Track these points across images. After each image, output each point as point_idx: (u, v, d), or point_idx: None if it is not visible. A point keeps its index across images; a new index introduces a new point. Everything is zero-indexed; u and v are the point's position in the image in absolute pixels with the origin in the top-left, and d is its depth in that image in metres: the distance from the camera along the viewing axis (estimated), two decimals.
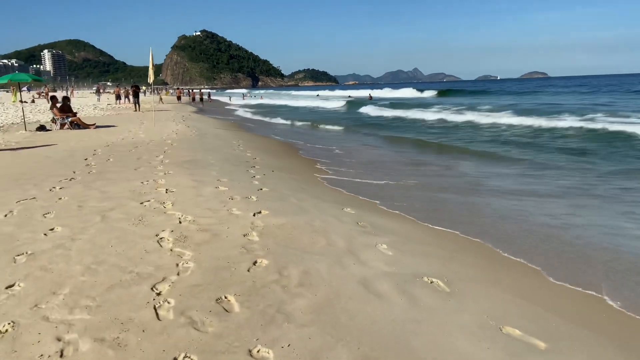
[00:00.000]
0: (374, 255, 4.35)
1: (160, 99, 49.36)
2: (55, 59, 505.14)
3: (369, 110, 34.48)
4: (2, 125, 18.90)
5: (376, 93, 70.73)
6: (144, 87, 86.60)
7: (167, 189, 6.77)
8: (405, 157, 13.06)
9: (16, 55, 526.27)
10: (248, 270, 3.82)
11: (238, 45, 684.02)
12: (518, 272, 4.42)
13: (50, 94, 48.44)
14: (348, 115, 32.06)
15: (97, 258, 4.08)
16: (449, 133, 19.57)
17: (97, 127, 17.76)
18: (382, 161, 12.03)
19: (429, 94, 69.53)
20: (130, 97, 42.13)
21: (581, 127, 17.54)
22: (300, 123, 24.60)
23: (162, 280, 3.63)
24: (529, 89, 72.17)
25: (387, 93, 73.88)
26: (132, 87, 32.76)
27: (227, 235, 4.68)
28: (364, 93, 77.08)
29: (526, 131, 18.53)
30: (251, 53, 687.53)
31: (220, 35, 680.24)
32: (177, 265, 3.93)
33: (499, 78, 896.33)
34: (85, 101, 48.75)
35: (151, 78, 18.52)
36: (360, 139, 16.96)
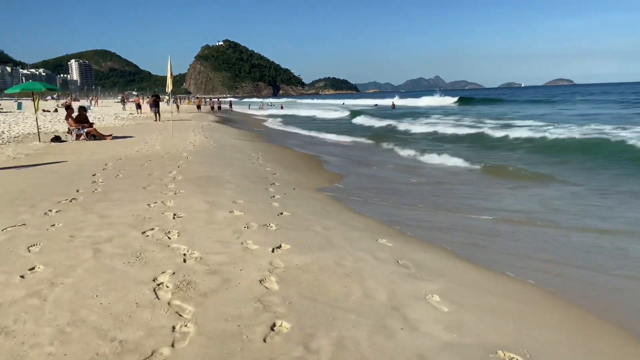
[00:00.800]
0: (426, 313, 3.39)
1: (177, 107, 48.67)
2: (82, 69, 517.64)
3: (398, 124, 32.07)
4: (18, 135, 18.54)
5: (399, 101, 69.63)
6: (166, 97, 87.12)
7: (175, 214, 5.93)
8: (439, 175, 12.05)
9: (44, 64, 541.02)
10: (264, 340, 2.91)
11: (260, 54, 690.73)
12: (618, 344, 3.39)
13: (68, 102, 48.88)
14: (377, 125, 31.12)
15: (75, 315, 3.23)
16: (486, 148, 18.47)
17: (114, 138, 17.22)
18: (414, 181, 11.04)
19: (453, 101, 67.86)
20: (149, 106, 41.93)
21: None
22: (330, 135, 23.79)
23: (151, 355, 2.74)
24: (563, 98, 69.35)
25: (411, 102, 72.45)
26: (151, 96, 32.35)
27: (239, 282, 3.79)
28: (385, 102, 75.93)
29: (573, 144, 17.01)
30: (272, 62, 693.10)
31: (242, 44, 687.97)
32: (174, 329, 3.04)
33: (523, 85, 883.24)
34: (108, 110, 48.97)
35: (170, 87, 17.94)
36: (390, 154, 16.00)
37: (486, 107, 52.67)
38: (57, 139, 16.25)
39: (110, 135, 17.20)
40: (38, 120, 27.66)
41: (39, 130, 17.61)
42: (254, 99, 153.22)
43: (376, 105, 67.64)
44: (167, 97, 33.81)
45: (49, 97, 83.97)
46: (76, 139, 16.74)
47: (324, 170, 11.73)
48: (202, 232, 5.16)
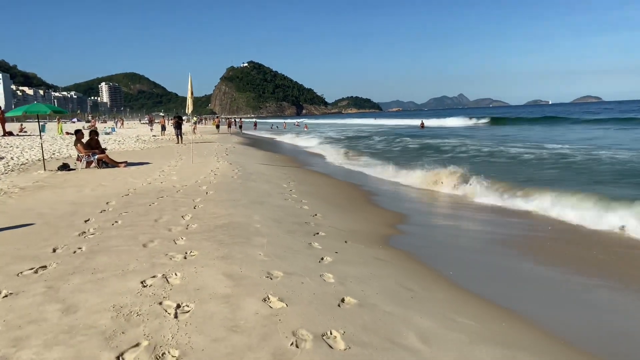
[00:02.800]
0: None
1: (194, 129, 46.02)
2: (112, 91, 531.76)
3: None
4: (27, 162, 16.93)
5: (428, 122, 66.82)
6: (193, 119, 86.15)
7: (179, 305, 3.79)
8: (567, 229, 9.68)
9: (75, 87, 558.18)
10: None
11: (283, 74, 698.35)
12: None
13: (92, 124, 48.11)
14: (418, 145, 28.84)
15: None
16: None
17: (128, 165, 15.40)
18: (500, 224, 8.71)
19: (484, 121, 64.27)
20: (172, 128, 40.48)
21: None
22: (362, 157, 21.65)
23: None
24: (610, 115, 63.80)
25: (439, 122, 69.26)
26: (174, 117, 30.76)
27: None
28: (411, 122, 73.08)
29: None
30: (296, 82, 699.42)
31: (266, 65, 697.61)
32: None
33: (550, 103, 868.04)
34: (132, 132, 47.98)
35: (190, 108, 16.13)
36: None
37: (526, 128, 48.21)
38: (64, 167, 14.51)
39: (124, 162, 15.39)
40: (55, 145, 26.53)
41: (44, 158, 15.92)
42: (275, 120, 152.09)
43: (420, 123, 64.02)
44: (191, 118, 32.17)
45: (75, 120, 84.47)
46: (86, 167, 14.99)
47: (375, 207, 9.51)
48: (221, 354, 2.99)
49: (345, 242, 6.40)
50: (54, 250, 5.56)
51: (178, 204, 8.39)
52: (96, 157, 14.87)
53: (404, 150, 24.63)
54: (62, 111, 16.16)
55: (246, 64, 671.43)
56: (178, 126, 28.89)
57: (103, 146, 25.47)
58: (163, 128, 42.07)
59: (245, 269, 4.68)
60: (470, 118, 69.37)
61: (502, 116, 73.98)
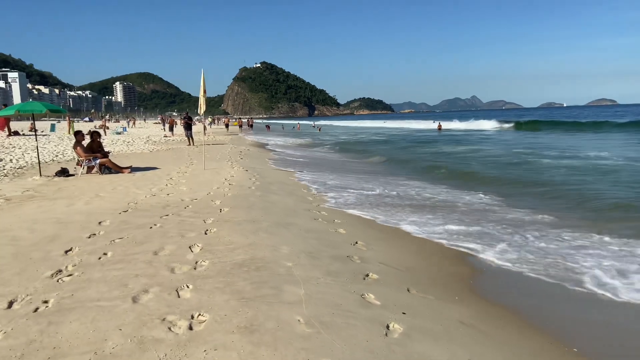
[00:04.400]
0: None
1: (205, 129, 44.35)
2: (126, 91, 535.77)
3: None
4: (26, 165, 15.50)
5: (446, 124, 64.25)
6: (209, 118, 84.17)
7: None
8: None
9: (90, 87, 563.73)
10: None
11: (295, 75, 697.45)
12: None
13: (103, 124, 46.96)
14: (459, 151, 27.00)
15: None
16: None
17: (133, 170, 13.89)
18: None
19: (509, 125, 57.93)
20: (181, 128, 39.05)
21: None
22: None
23: None
24: None
25: (456, 124, 66.08)
26: (183, 117, 29.17)
27: None
28: (423, 124, 70.19)
29: None
30: (308, 83, 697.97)
31: (279, 66, 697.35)
32: None
33: (565, 105, 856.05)
34: (143, 132, 46.73)
35: (202, 108, 14.57)
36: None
37: (558, 133, 42.68)
38: (63, 172, 13.03)
39: (129, 167, 13.87)
40: (62, 145, 25.15)
41: (40, 162, 14.46)
42: (286, 121, 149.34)
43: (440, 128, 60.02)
44: (204, 118, 30.70)
45: (87, 119, 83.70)
46: (87, 172, 13.51)
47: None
48: None
49: (409, 290, 4.74)
50: (10, 305, 3.98)
51: (186, 226, 6.78)
52: (98, 161, 13.37)
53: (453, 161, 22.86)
54: (60, 110, 14.64)
55: (259, 65, 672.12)
56: (188, 127, 27.38)
57: (110, 148, 24.17)
58: (171, 128, 40.61)
59: (281, 356, 3.04)
60: (500, 122, 62.06)
61: (538, 119, 65.33)
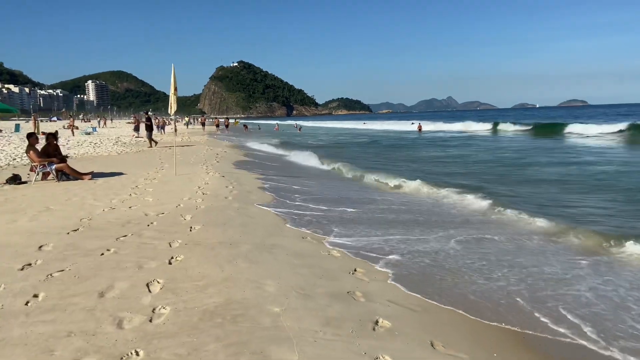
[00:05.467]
0: None
1: (175, 130, 42.43)
2: (99, 89, 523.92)
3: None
4: None
5: (426, 125, 63.19)
6: (186, 118, 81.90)
7: None
8: None
9: (62, 85, 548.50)
10: None
11: (274, 75, 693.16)
12: None
13: (70, 124, 44.77)
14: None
15: None
16: None
17: (95, 176, 12.47)
18: None
19: (504, 127, 50.58)
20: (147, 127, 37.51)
21: None
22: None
23: None
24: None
25: (438, 126, 63.97)
26: (144, 116, 27.54)
27: None
28: (402, 125, 68.64)
29: None
30: (286, 83, 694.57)
31: (256, 65, 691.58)
32: None
33: (537, 106, 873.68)
34: (114, 132, 44.73)
35: (173, 107, 13.22)
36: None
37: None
38: (14, 179, 11.54)
39: (90, 173, 12.43)
40: (23, 148, 23.30)
41: None
42: (263, 121, 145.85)
43: (416, 125, 58.53)
44: (182, 118, 29.19)
45: (55, 118, 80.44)
46: (42, 179, 12.05)
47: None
48: None
49: (432, 345, 3.63)
50: None
51: (146, 251, 5.53)
52: (54, 167, 11.91)
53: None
54: (10, 109, 13.14)
55: (236, 64, 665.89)
56: (149, 128, 25.75)
57: (75, 150, 22.51)
58: (137, 128, 38.75)
59: None
60: (515, 123, 52.21)
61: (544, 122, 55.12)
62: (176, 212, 7.88)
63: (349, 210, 8.92)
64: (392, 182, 12.44)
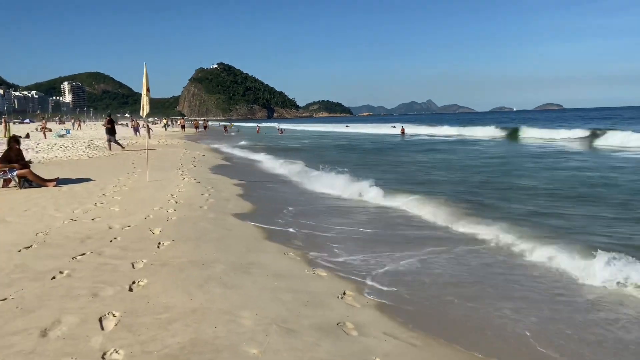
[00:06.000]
0: None
1: (148, 132, 40.65)
2: (75, 91, 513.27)
3: None
4: None
5: (409, 129, 62.35)
6: (164, 120, 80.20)
7: None
8: None
9: (37, 87, 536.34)
10: None
11: (254, 77, 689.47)
12: None
13: (43, 126, 43.21)
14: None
15: None
16: None
17: (60, 182, 11.61)
18: None
19: (498, 133, 45.05)
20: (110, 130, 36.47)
21: None
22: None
23: None
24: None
25: (422, 129, 61.74)
26: (106, 118, 26.18)
27: None
28: (385, 129, 67.06)
29: None
30: (267, 85, 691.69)
31: (236, 67, 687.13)
32: None
33: (515, 110, 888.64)
34: (88, 135, 43.31)
35: (145, 109, 12.43)
36: None
37: None
38: None
39: (55, 180, 11.57)
40: None
41: None
42: (250, 123, 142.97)
43: (398, 129, 58.08)
44: (160, 120, 28.19)
45: (28, 120, 78.06)
46: (3, 186, 11.15)
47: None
48: None
49: None
50: None
51: (104, 274, 4.82)
52: (15, 173, 11.02)
53: None
54: None
55: (216, 65, 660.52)
56: (110, 132, 24.53)
57: (44, 154, 21.40)
58: (115, 133, 37.42)
59: None
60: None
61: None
62: (144, 224, 7.15)
63: (336, 221, 8.31)
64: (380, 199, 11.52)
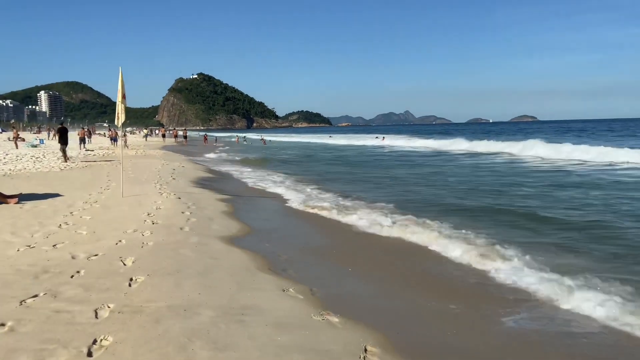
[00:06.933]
0: None
1: (125, 142, 39.86)
2: (52, 100, 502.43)
3: None
4: None
5: (389, 140, 61.41)
6: (145, 130, 78.10)
7: None
8: None
9: (12, 95, 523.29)
10: None
11: (234, 87, 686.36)
12: None
13: (15, 135, 41.30)
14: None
15: None
16: None
17: (23, 199, 10.38)
18: None
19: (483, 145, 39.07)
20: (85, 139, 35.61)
21: None
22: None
23: None
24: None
25: (405, 141, 58.94)
26: (58, 126, 24.48)
27: None
28: (366, 140, 65.04)
29: None
30: (247, 95, 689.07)
31: (216, 77, 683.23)
32: None
33: (491, 121, 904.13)
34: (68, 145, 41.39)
35: (121, 118, 11.32)
36: None
37: None
38: None
39: (17, 196, 10.31)
40: None
41: None
42: (224, 133, 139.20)
43: (377, 137, 59.04)
44: (139, 129, 26.87)
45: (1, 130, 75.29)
46: None
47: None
48: None
49: None
50: None
51: (57, 329, 3.73)
52: None
53: None
54: None
55: (196, 76, 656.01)
56: (63, 140, 23.04)
57: (11, 165, 19.89)
58: (82, 140, 36.26)
59: None
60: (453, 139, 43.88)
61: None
62: (115, 252, 6.06)
63: (339, 244, 7.33)
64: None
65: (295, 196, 12.46)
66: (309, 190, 13.87)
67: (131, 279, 4.97)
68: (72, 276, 5.07)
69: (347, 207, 10.49)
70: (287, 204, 11.43)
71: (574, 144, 29.95)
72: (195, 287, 4.79)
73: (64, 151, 22.73)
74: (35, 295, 4.47)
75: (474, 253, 6.59)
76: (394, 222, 8.70)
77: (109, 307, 4.19)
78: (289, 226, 9.09)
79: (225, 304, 4.41)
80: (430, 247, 7.18)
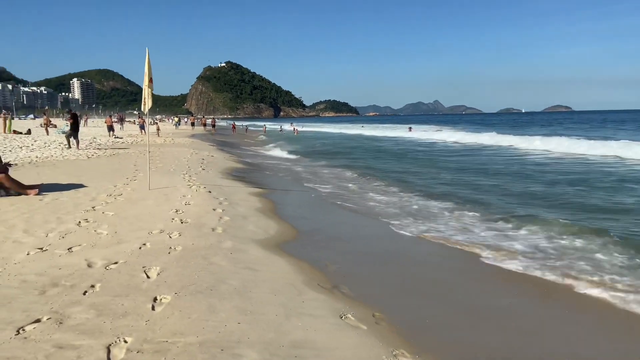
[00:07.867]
0: None
1: (158, 130, 40.66)
2: (84, 88, 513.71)
3: None
4: None
5: (416, 131, 59.72)
6: (175, 118, 78.40)
7: None
8: None
9: (46, 83, 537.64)
10: None
11: (261, 76, 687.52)
12: None
13: (45, 122, 41.48)
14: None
15: None
16: None
17: (45, 190, 9.68)
18: None
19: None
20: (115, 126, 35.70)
21: None
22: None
23: None
24: None
25: (431, 133, 55.57)
26: (69, 114, 23.65)
27: None
28: (397, 131, 63.75)
29: None
30: (274, 84, 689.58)
31: (244, 66, 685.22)
32: None
33: (523, 111, 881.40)
34: (93, 132, 41.51)
35: (148, 104, 10.48)
36: None
37: None
38: None
39: (37, 187, 9.62)
40: None
41: None
42: (250, 122, 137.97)
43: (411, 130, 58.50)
44: (168, 117, 26.28)
45: (32, 116, 76.58)
46: None
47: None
48: None
49: None
50: None
51: None
52: None
53: None
54: None
55: (224, 64, 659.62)
56: (74, 127, 22.26)
57: (39, 152, 19.51)
58: (110, 128, 36.12)
59: None
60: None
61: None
62: (137, 259, 5.17)
63: (398, 249, 6.28)
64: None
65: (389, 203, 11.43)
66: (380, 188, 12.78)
67: (155, 299, 4.04)
68: (84, 292, 4.18)
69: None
70: (329, 200, 10.40)
71: None
72: (233, 313, 3.83)
73: (69, 137, 22.07)
74: (37, 320, 3.59)
75: None
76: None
77: (125, 341, 3.27)
78: (337, 226, 8.08)
79: (272, 340, 3.43)
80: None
